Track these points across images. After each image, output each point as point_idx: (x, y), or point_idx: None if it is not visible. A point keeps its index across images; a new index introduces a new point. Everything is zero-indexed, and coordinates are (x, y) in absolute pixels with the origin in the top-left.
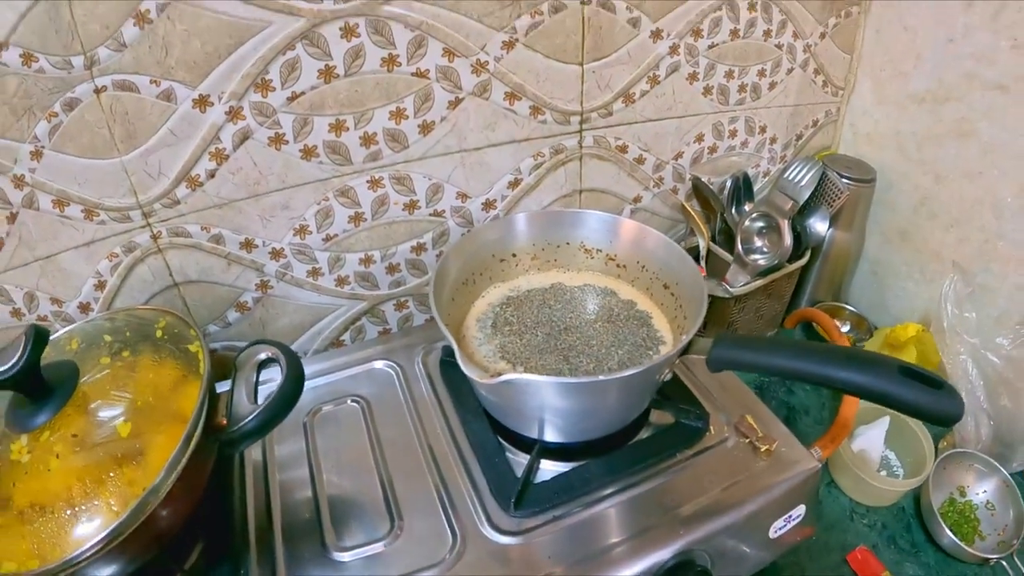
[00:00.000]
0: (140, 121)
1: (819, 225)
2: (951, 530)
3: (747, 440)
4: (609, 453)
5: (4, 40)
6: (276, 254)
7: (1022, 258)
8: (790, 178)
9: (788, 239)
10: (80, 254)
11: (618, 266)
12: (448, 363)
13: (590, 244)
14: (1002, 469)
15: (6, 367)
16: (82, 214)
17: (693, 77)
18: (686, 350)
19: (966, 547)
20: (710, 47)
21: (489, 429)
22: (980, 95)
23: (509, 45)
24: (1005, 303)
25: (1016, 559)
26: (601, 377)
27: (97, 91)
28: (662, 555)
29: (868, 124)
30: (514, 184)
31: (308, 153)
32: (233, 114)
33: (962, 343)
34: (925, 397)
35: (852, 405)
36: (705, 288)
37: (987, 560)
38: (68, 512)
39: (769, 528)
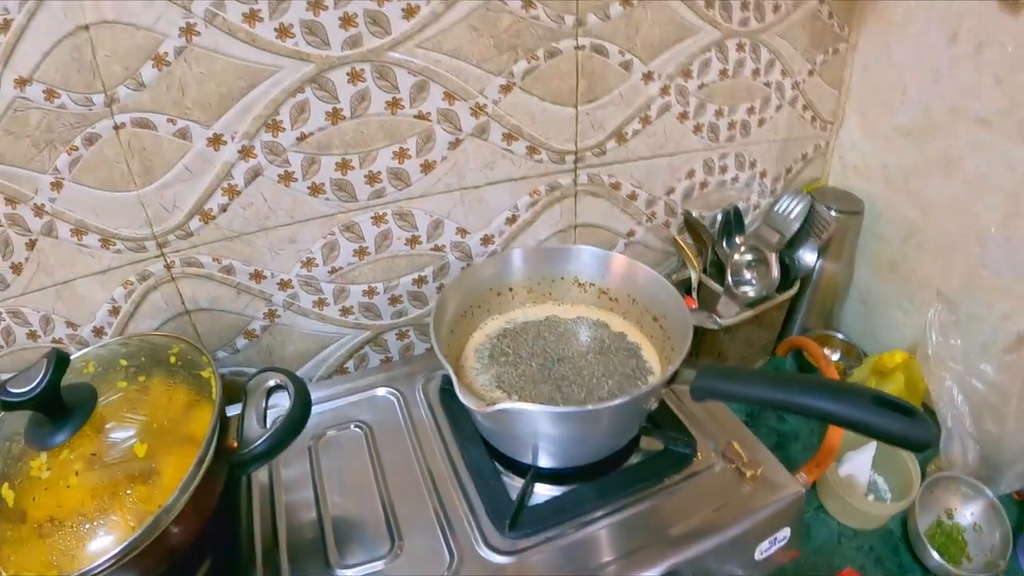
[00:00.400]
0: (157, 157)
1: (808, 256)
2: (938, 552)
3: (733, 465)
4: (600, 478)
5: (28, 76)
6: (284, 285)
7: (1006, 287)
8: (779, 211)
9: (775, 271)
10: (96, 281)
11: (610, 299)
12: (447, 391)
13: (583, 278)
14: (988, 492)
15: (29, 388)
16: (99, 243)
17: (684, 116)
18: (672, 380)
19: (952, 568)
20: (700, 87)
21: (486, 454)
22: (964, 129)
23: (507, 89)
24: (990, 331)
25: None
26: (590, 407)
27: (116, 127)
28: (649, 575)
29: (856, 157)
30: (511, 220)
31: (315, 190)
32: (245, 152)
33: (947, 370)
34: (898, 425)
35: (838, 432)
36: (691, 322)
37: None
38: (86, 526)
39: (754, 550)
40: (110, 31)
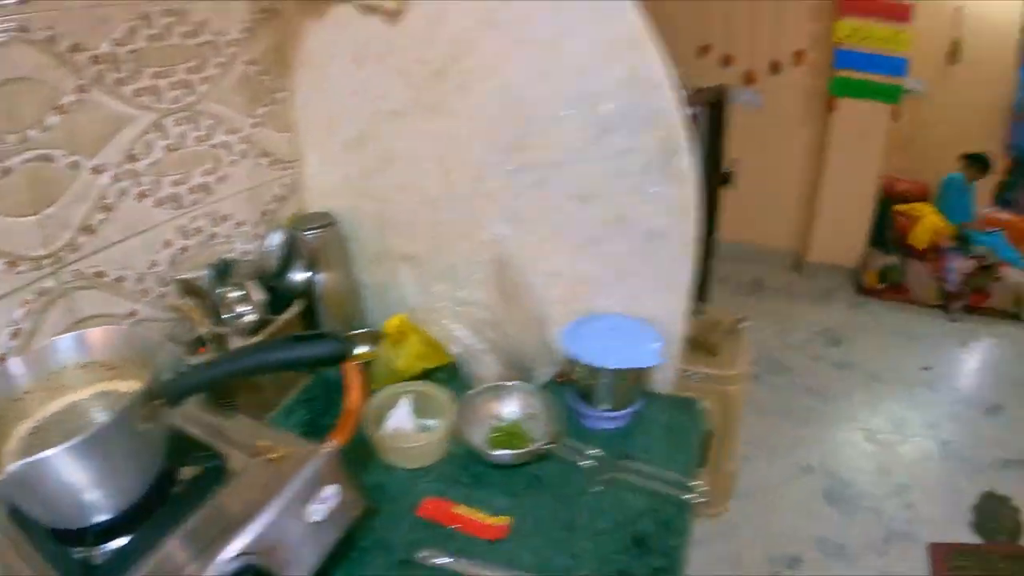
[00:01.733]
0: None
1: (298, 276)
2: (503, 447)
3: (263, 458)
4: (153, 514)
5: None
6: None
7: (461, 232)
8: (264, 248)
9: (255, 295)
10: None
11: (110, 369)
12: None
13: (82, 360)
14: (518, 384)
15: None
16: None
17: (142, 195)
18: (147, 400)
19: (517, 451)
20: (150, 165)
21: (54, 541)
22: (386, 125)
23: None
24: (464, 266)
25: (563, 444)
26: (64, 445)
27: None
28: (222, 570)
29: (321, 181)
30: (16, 335)
31: None
32: None
33: (435, 312)
34: (314, 349)
35: (352, 399)
36: (153, 353)
37: (538, 451)
38: None
39: (305, 513)
40: None
